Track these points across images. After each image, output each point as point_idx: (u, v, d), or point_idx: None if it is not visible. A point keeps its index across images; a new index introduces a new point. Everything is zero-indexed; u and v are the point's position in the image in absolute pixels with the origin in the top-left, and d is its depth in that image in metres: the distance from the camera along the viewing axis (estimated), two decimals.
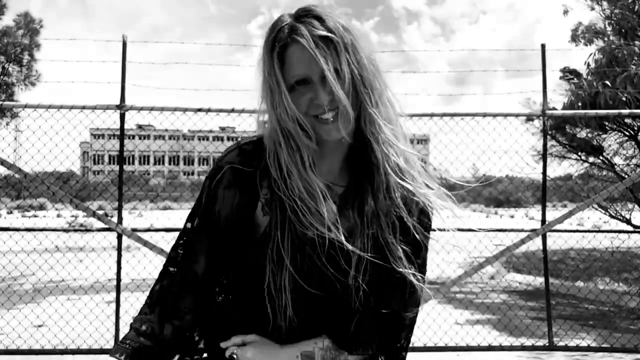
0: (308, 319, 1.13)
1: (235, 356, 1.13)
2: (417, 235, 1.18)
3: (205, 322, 1.21)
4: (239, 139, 1.24)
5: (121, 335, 4.96)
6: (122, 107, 5.04)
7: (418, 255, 1.20)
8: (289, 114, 1.12)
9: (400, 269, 1.14)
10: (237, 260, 1.17)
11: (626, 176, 8.34)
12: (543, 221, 5.21)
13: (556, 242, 6.07)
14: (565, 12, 9.50)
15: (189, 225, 1.21)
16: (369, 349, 1.17)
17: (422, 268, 1.22)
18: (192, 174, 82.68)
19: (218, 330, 1.19)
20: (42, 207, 29.44)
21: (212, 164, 1.26)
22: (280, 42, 1.12)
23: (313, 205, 1.12)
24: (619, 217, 9.37)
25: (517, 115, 5.38)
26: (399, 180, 1.17)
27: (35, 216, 26.43)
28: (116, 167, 5.98)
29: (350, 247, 1.12)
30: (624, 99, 7.04)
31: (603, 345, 5.10)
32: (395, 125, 1.18)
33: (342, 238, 1.11)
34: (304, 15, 1.13)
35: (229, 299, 1.21)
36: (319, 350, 1.13)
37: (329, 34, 1.10)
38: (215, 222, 1.18)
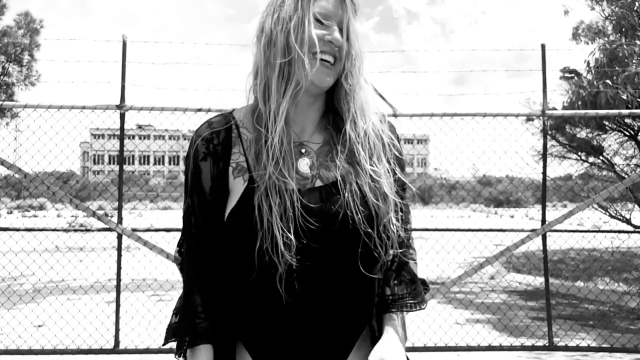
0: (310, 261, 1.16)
1: None
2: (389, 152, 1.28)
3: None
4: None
5: (121, 336, 4.96)
6: (122, 107, 5.04)
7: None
8: (310, 37, 1.17)
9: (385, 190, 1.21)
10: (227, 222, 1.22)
11: (626, 176, 8.33)
12: (543, 221, 5.21)
13: (556, 242, 6.06)
14: (566, 12, 9.48)
15: (189, 202, 1.26)
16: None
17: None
18: None
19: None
20: (42, 207, 29.45)
21: None
22: None
23: (289, 160, 1.19)
24: (619, 217, 9.36)
25: (517, 115, 5.38)
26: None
27: (35, 216, 26.43)
28: (116, 167, 5.98)
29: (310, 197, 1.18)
30: (624, 97, 7.03)
31: (603, 345, 5.10)
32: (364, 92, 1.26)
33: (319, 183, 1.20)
34: None
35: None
36: None
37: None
38: (205, 194, 1.24)
